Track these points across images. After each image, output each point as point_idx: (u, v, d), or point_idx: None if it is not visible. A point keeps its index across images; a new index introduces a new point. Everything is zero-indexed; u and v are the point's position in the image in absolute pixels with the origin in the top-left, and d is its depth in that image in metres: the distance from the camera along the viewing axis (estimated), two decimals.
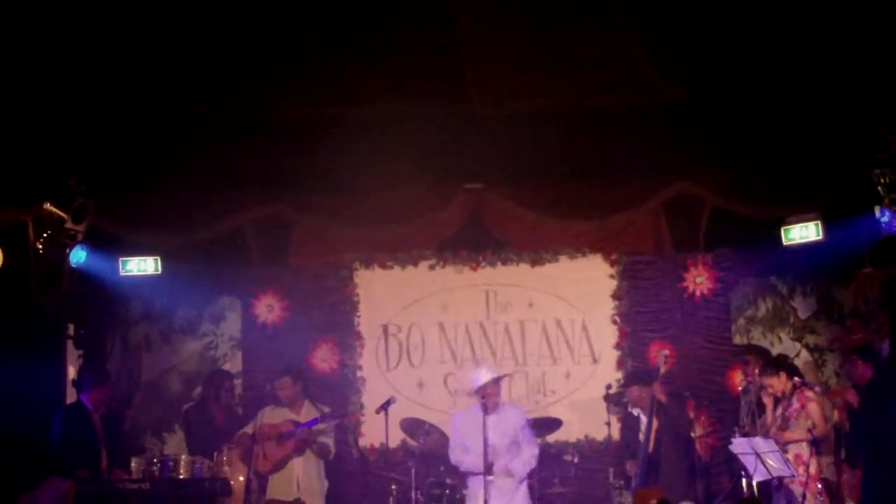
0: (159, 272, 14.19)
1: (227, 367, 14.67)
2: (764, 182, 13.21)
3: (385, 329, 14.63)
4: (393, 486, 13.00)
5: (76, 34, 11.12)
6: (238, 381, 14.53)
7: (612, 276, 14.47)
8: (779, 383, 11.96)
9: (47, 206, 12.27)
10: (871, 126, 11.90)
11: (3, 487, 11.52)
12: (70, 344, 14.01)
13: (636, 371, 13.69)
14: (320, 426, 12.54)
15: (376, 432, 13.51)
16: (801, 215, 13.55)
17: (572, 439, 14.04)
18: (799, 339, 14.38)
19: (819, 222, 13.41)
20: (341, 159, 12.87)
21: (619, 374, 14.12)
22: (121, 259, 14.05)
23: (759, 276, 14.58)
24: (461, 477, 12.37)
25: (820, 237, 13.45)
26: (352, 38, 11.68)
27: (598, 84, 12.49)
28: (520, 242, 14.56)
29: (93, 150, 12.32)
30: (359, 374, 14.46)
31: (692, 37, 11.61)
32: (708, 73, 12.10)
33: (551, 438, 13.70)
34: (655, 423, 12.37)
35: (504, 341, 14.54)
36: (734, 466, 12.45)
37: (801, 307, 14.50)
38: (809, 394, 11.88)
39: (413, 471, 12.57)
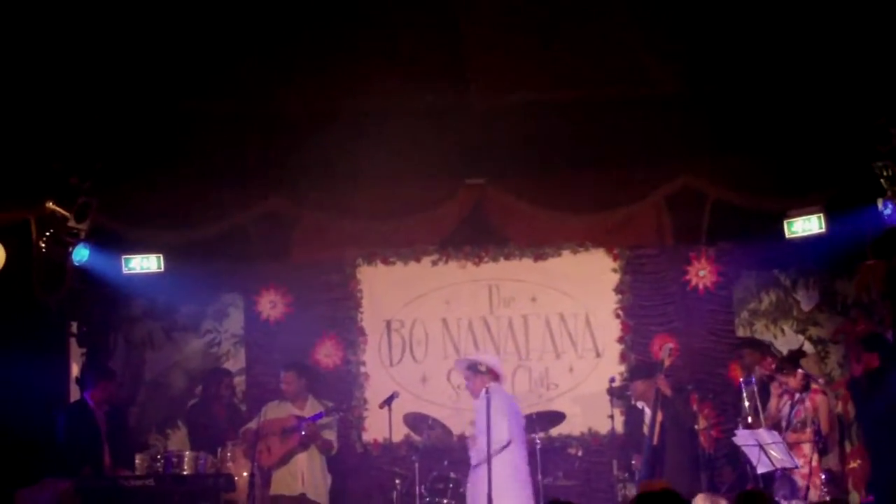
0: (162, 270, 14.14)
1: (230, 363, 14.70)
2: (766, 174, 13.21)
3: (388, 324, 14.61)
4: (397, 481, 13.01)
5: (77, 32, 11.16)
6: (239, 379, 14.54)
7: (614, 270, 14.45)
8: (795, 381, 11.99)
9: (50, 204, 12.28)
10: (873, 118, 11.90)
11: (6, 484, 11.55)
12: (73, 342, 14.01)
13: (639, 364, 13.70)
14: (324, 420, 12.56)
15: (380, 427, 13.48)
16: (804, 208, 13.50)
17: (576, 433, 14.02)
18: (802, 332, 14.37)
19: (822, 215, 13.35)
20: (342, 154, 12.88)
21: (623, 368, 14.10)
22: (123, 257, 14.01)
23: (761, 269, 14.57)
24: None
25: (822, 230, 13.39)
26: (352, 32, 11.72)
27: (601, 77, 12.49)
28: (522, 237, 14.54)
29: (94, 148, 12.32)
30: (362, 369, 14.44)
31: (694, 29, 11.63)
32: (710, 66, 12.13)
33: (555, 432, 13.72)
34: (660, 416, 12.35)
35: (507, 336, 14.51)
36: (738, 458, 12.48)
37: (804, 300, 14.49)
38: (819, 397, 11.90)
39: (417, 465, 12.66)
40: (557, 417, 13.50)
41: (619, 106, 12.80)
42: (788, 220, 13.60)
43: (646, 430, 12.43)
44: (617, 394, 13.49)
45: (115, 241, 13.73)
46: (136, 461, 12.32)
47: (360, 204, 13.94)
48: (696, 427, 12.78)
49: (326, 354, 14.33)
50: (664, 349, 12.80)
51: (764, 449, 11.29)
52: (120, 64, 11.73)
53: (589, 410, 14.06)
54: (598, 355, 14.40)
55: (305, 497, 12.51)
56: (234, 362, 14.69)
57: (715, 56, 11.99)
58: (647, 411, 12.52)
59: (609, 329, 14.40)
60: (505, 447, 11.96)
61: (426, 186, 13.99)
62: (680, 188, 13.78)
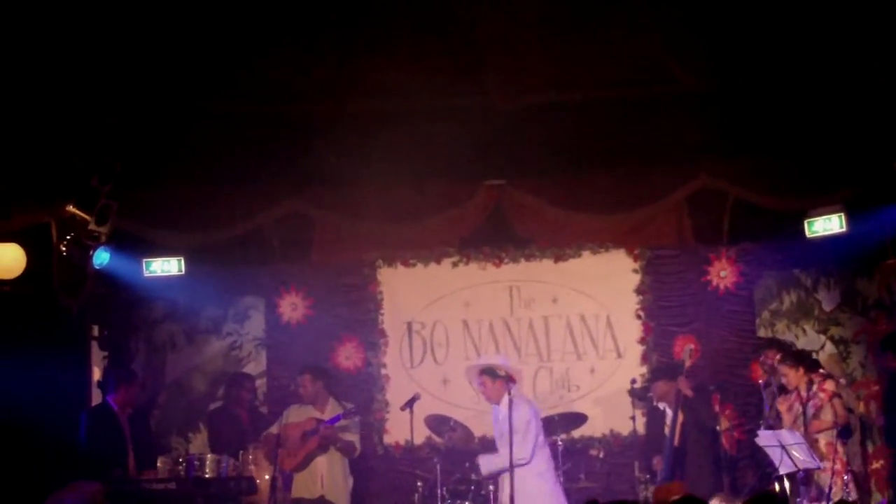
0: (183, 272, 14.17)
1: (251, 366, 14.70)
2: (786, 174, 13.17)
3: (409, 326, 14.62)
4: (418, 483, 12.98)
5: (96, 34, 11.17)
6: (260, 381, 14.55)
7: (635, 271, 14.43)
8: (794, 376, 11.98)
9: (70, 207, 12.29)
10: (894, 117, 11.83)
11: (30, 489, 11.55)
12: (94, 345, 14.04)
13: (661, 365, 13.69)
14: (343, 422, 12.55)
15: (401, 429, 13.48)
16: (825, 207, 13.46)
17: (597, 434, 14.02)
18: (824, 332, 14.30)
19: (842, 214, 13.32)
20: (362, 156, 12.86)
21: (644, 369, 14.09)
22: (144, 260, 14.05)
23: (782, 269, 14.52)
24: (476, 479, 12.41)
25: (843, 229, 13.35)
26: (373, 34, 11.71)
27: (620, 76, 12.48)
28: (543, 238, 14.51)
29: (115, 150, 12.33)
30: (383, 371, 14.46)
31: (714, 28, 11.60)
32: (730, 65, 12.11)
33: (576, 434, 13.72)
34: (681, 418, 12.36)
35: (528, 337, 14.51)
36: (760, 460, 12.45)
37: (826, 299, 14.42)
38: (830, 385, 11.87)
39: (438, 467, 12.60)
40: (579, 419, 13.49)
41: (640, 106, 12.77)
42: (809, 219, 13.57)
43: (667, 431, 12.43)
44: (638, 395, 13.49)
45: (135, 244, 13.74)
46: (158, 464, 12.30)
47: (380, 205, 13.92)
48: (717, 428, 12.75)
49: (347, 357, 14.36)
50: (685, 350, 12.81)
51: (786, 450, 11.26)
52: (139, 66, 11.73)
53: (610, 412, 14.07)
54: (619, 356, 14.39)
55: (325, 499, 12.50)
56: (256, 365, 14.68)
57: (735, 56, 11.97)
58: (669, 412, 12.52)
59: (630, 330, 14.39)
60: (524, 465, 11.90)
61: (446, 187, 14.00)
62: (700, 188, 13.75)
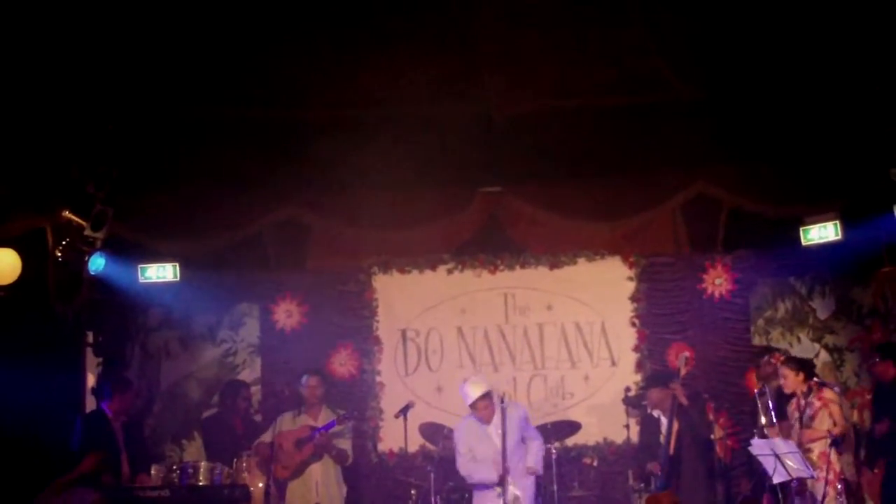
0: (178, 279, 14.14)
1: (245, 373, 14.68)
2: (782, 182, 13.23)
3: (404, 333, 14.62)
4: (412, 491, 13.00)
5: (91, 40, 11.17)
6: (255, 388, 14.51)
7: (630, 279, 14.44)
8: (793, 379, 11.96)
9: (66, 213, 12.28)
10: (889, 125, 11.85)
11: (24, 496, 11.55)
12: (89, 351, 14.02)
13: (655, 373, 13.67)
14: (336, 429, 12.52)
15: (395, 437, 13.53)
16: (820, 215, 13.47)
17: (591, 442, 14.01)
18: (818, 340, 14.33)
19: (837, 222, 13.32)
20: (358, 163, 12.85)
21: (638, 377, 14.11)
22: (140, 266, 14.02)
23: (777, 277, 14.54)
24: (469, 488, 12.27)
25: (838, 237, 13.34)
26: (368, 40, 11.71)
27: (615, 84, 12.48)
28: (538, 245, 14.54)
29: (111, 157, 12.32)
30: (377, 378, 14.46)
31: (709, 36, 11.61)
32: (725, 73, 12.11)
33: (570, 441, 13.69)
34: (676, 426, 12.33)
35: (523, 345, 14.51)
36: (755, 468, 12.44)
37: (821, 307, 14.45)
38: (828, 394, 11.86)
39: (432, 475, 12.58)
40: (573, 427, 13.47)
41: (635, 114, 12.78)
42: (804, 227, 13.57)
43: (662, 439, 12.41)
44: (633, 403, 13.51)
45: (131, 251, 13.73)
46: (152, 472, 12.28)
47: (375, 212, 13.93)
48: (712, 437, 12.75)
49: (342, 364, 14.35)
50: (680, 358, 12.82)
51: (780, 458, 11.24)
52: (135, 72, 11.73)
53: (604, 420, 14.07)
54: (613, 364, 14.40)
55: None
56: (250, 372, 14.67)
57: (731, 64, 11.97)
58: (664, 420, 12.50)
59: (625, 337, 14.40)
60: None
61: (442, 195, 14.03)
62: (696, 196, 13.80)
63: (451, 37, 11.83)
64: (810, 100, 12.24)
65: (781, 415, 12.14)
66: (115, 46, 11.37)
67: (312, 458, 12.46)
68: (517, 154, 13.30)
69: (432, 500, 12.47)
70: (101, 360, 14.12)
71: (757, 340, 14.34)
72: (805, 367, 12.20)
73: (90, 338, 14.05)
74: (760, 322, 14.52)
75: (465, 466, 11.95)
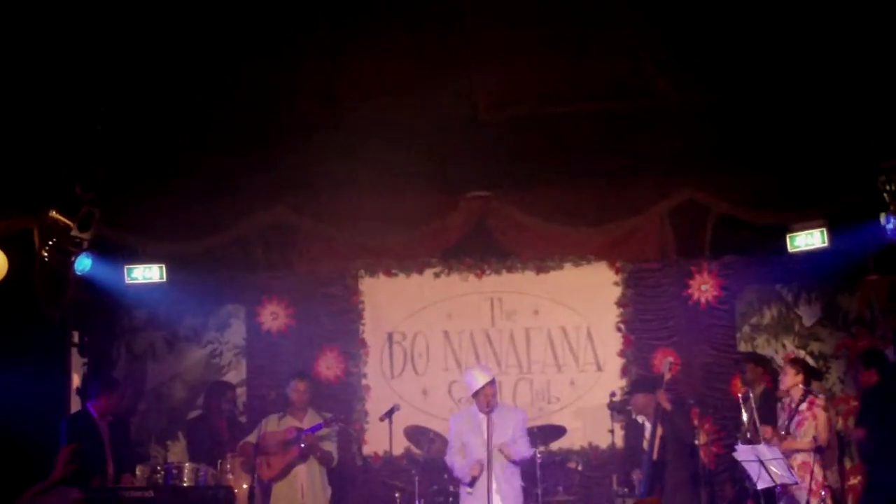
0: (164, 280, 14.14)
1: (231, 375, 14.69)
2: (769, 189, 13.26)
3: (390, 337, 14.61)
4: (396, 494, 12.97)
5: (80, 40, 11.16)
6: (240, 390, 14.53)
7: (616, 284, 14.45)
8: (792, 378, 11.95)
9: (53, 213, 12.27)
10: (876, 133, 11.87)
11: (8, 496, 11.52)
12: (75, 352, 14.01)
13: (640, 378, 13.68)
14: (322, 432, 12.52)
15: (380, 440, 13.47)
16: (807, 222, 13.49)
17: (576, 447, 14.00)
18: (804, 347, 14.35)
19: (824, 229, 13.34)
20: (345, 166, 12.86)
21: (624, 382, 14.11)
22: (126, 267, 14.02)
23: (764, 284, 14.56)
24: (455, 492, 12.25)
25: (825, 244, 13.37)
26: (355, 42, 11.71)
27: (605, 90, 12.48)
28: (525, 250, 14.52)
29: (98, 157, 12.31)
30: (363, 381, 14.43)
31: (698, 42, 11.63)
32: (713, 79, 12.11)
33: (555, 446, 13.63)
34: (660, 431, 12.33)
35: (509, 349, 14.51)
36: (739, 474, 12.45)
37: (806, 314, 14.48)
38: (818, 404, 11.87)
39: (417, 479, 12.61)
40: (558, 431, 13.46)
41: (623, 119, 12.77)
42: (791, 234, 13.59)
43: (646, 444, 12.41)
44: (618, 408, 13.52)
45: (117, 251, 13.75)
46: (137, 472, 12.29)
47: (362, 216, 13.95)
48: (696, 442, 12.71)
49: (328, 366, 14.33)
50: (665, 363, 12.81)
51: (764, 464, 11.25)
52: (123, 72, 11.72)
53: (589, 424, 14.08)
54: (599, 369, 14.40)
55: None
56: (236, 374, 14.67)
57: (719, 71, 11.98)
58: (648, 426, 12.51)
59: (610, 342, 14.40)
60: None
61: (429, 199, 14.04)
62: (683, 202, 13.81)
63: (440, 40, 11.83)
64: (798, 107, 12.25)
65: (766, 419, 12.14)
66: (104, 48, 11.35)
67: (298, 460, 12.45)
68: (505, 159, 13.30)
69: (416, 502, 12.48)
70: (86, 360, 14.11)
71: (742, 347, 14.34)
72: (809, 372, 12.21)
73: (76, 338, 14.05)
74: (746, 328, 14.54)
75: (451, 458, 11.91)
